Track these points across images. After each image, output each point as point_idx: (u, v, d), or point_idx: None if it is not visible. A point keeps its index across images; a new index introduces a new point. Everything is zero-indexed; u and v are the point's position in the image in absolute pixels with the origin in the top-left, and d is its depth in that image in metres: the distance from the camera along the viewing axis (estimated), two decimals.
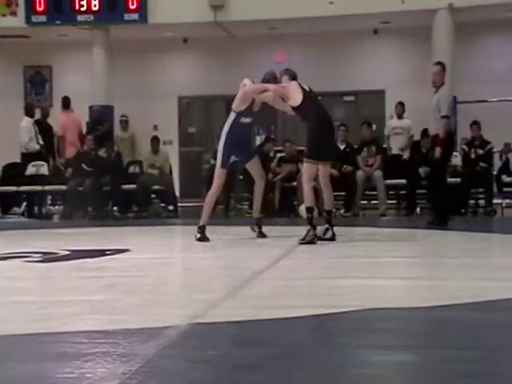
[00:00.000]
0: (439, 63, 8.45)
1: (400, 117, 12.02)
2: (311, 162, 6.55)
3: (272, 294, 3.91)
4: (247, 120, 6.99)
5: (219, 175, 7.02)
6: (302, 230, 8.16)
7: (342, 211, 10.85)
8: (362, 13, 12.83)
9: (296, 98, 6.53)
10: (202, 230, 6.85)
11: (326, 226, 6.63)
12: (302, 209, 10.58)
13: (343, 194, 11.05)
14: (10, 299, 3.88)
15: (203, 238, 6.79)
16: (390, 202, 11.32)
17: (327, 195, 6.84)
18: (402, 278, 4.50)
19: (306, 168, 6.61)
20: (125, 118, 12.99)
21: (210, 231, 7.05)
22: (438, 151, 8.12)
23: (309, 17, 12.99)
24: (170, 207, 11.42)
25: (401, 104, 12.11)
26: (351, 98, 15.00)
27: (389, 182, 10.78)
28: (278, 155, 11.61)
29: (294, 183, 10.97)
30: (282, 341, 2.85)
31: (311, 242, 6.32)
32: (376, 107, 14.62)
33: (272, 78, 6.97)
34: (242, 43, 14.50)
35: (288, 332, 3.03)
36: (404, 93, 13.57)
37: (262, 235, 7.14)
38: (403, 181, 10.78)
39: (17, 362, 2.57)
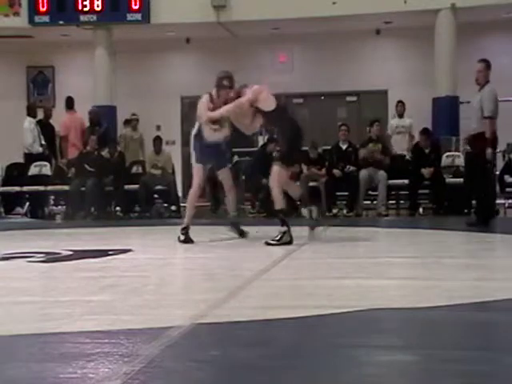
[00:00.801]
0: (483, 60, 8.06)
1: (401, 116, 12.00)
2: (284, 166, 6.60)
3: (274, 294, 3.92)
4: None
5: (197, 172, 6.95)
6: (305, 230, 8.16)
7: (345, 211, 10.85)
8: (365, 13, 12.82)
9: (270, 103, 6.52)
10: (185, 231, 6.76)
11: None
12: (305, 210, 10.64)
13: (346, 193, 11.06)
14: (12, 299, 3.89)
15: (187, 240, 6.70)
16: (392, 202, 11.32)
17: (292, 190, 7.02)
18: (403, 279, 4.50)
19: (278, 172, 6.60)
20: (136, 117, 12.93)
21: (212, 231, 7.05)
22: (489, 153, 7.87)
23: (311, 17, 12.98)
24: (173, 207, 11.42)
25: (401, 103, 12.09)
26: (354, 98, 15.00)
27: (391, 182, 10.77)
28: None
29: (297, 183, 10.97)
30: (284, 341, 2.86)
31: (288, 243, 6.28)
32: (378, 107, 14.61)
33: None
34: (244, 43, 14.50)
35: (290, 332, 3.03)
36: (406, 93, 13.55)
37: (242, 234, 7.12)
38: (405, 181, 10.77)
39: (19, 362, 2.57)
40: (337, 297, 3.80)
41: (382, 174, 10.71)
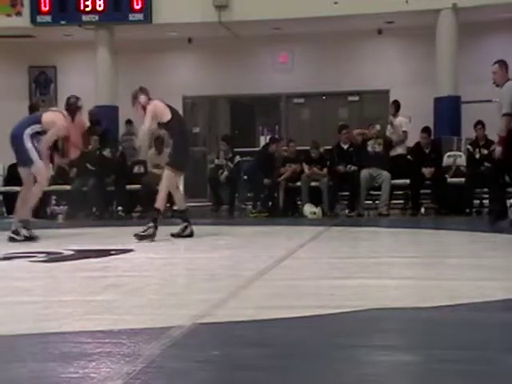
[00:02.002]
0: (497, 62, 8.04)
1: (394, 115, 11.92)
2: (175, 170, 7.10)
3: (275, 294, 3.92)
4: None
5: (43, 170, 7.27)
6: (307, 230, 8.17)
7: (347, 211, 10.85)
8: (367, 13, 12.81)
9: (166, 115, 7.08)
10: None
11: (185, 224, 7.15)
12: (306, 209, 10.66)
13: (347, 193, 11.06)
14: (14, 299, 3.90)
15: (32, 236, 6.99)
16: (395, 202, 11.31)
17: (180, 196, 7.50)
18: (405, 278, 4.50)
19: (169, 176, 7.11)
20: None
21: (214, 231, 7.05)
22: (498, 151, 7.83)
23: (313, 17, 12.98)
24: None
25: (393, 103, 12.04)
26: (355, 98, 15.00)
27: (392, 181, 10.76)
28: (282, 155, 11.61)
29: (298, 183, 10.98)
30: (285, 341, 2.86)
31: (150, 236, 6.80)
32: (380, 107, 14.60)
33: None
34: (246, 43, 14.50)
35: (291, 332, 3.03)
36: (408, 92, 13.55)
37: (185, 229, 7.30)
38: (407, 181, 10.77)
39: (20, 362, 2.58)
40: (338, 297, 3.80)
41: (385, 174, 10.71)
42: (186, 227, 7.16)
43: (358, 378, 2.36)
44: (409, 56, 14.44)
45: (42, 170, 7.23)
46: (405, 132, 11.46)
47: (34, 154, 7.17)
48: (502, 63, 8.03)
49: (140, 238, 6.77)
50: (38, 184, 7.29)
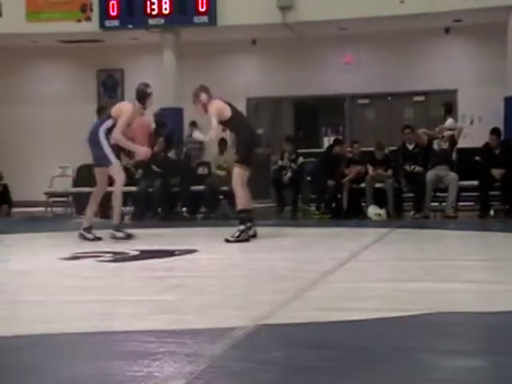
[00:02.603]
0: None
1: (445, 118, 11.68)
2: (244, 167, 7.03)
3: (338, 296, 3.88)
4: None
5: (119, 170, 7.52)
6: (371, 231, 8.08)
7: (412, 213, 10.68)
8: (434, 11, 12.58)
9: (226, 114, 7.09)
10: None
11: (248, 224, 7.00)
12: (370, 210, 10.54)
13: (412, 195, 10.88)
14: (81, 298, 3.99)
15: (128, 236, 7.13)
16: (461, 203, 11.07)
17: (247, 196, 7.24)
18: (471, 282, 4.39)
19: (239, 172, 7.05)
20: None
21: (277, 232, 7.01)
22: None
23: (378, 16, 12.84)
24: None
25: (444, 104, 11.79)
26: (421, 98, 14.74)
27: (460, 183, 10.53)
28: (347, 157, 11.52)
29: (363, 184, 10.86)
30: (347, 344, 2.83)
31: (245, 241, 6.76)
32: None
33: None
34: (310, 44, 14.46)
35: (354, 335, 3.00)
36: (477, 92, 13.25)
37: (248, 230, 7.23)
38: (475, 182, 10.52)
39: (86, 359, 2.63)
40: (403, 300, 3.75)
41: (453, 175, 10.49)
42: (249, 228, 7.08)
43: (422, 383, 2.31)
44: (477, 55, 14.11)
45: (118, 170, 7.40)
46: (455, 134, 11.15)
47: (110, 154, 7.32)
48: None
49: (232, 242, 6.73)
50: (116, 185, 7.47)
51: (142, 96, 7.38)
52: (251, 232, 7.09)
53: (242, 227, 6.82)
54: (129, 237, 7.21)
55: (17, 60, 15.72)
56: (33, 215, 12.68)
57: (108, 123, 7.36)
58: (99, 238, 7.30)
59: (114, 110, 7.44)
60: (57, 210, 12.94)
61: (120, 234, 7.24)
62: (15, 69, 15.83)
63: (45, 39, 14.65)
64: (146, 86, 7.49)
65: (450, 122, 11.45)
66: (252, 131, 7.33)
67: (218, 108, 7.11)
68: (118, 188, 7.44)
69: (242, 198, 6.99)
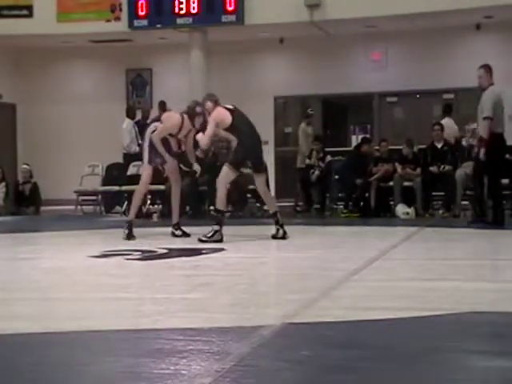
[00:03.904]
0: (483, 66, 8.46)
1: (443, 117, 11.65)
2: (233, 169, 7.02)
3: (366, 295, 3.87)
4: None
5: (147, 171, 7.51)
6: (399, 230, 8.03)
7: (441, 211, 10.59)
8: (464, 8, 12.44)
9: (228, 121, 7.09)
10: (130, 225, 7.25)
11: (276, 226, 7.02)
12: (399, 209, 10.47)
13: (442, 194, 10.79)
14: (110, 295, 4.02)
15: (130, 236, 7.16)
16: None
17: (268, 200, 7.43)
18: (502, 282, 4.35)
19: (228, 173, 7.02)
20: (312, 113, 12.97)
21: (305, 231, 6.99)
22: (482, 153, 8.15)
23: (407, 13, 12.74)
24: (265, 207, 11.46)
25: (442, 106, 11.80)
26: (451, 96, 14.59)
27: None
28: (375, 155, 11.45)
29: (391, 183, 10.79)
30: (375, 343, 2.81)
31: (219, 241, 6.67)
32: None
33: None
34: (338, 42, 14.41)
35: (382, 334, 2.98)
36: (508, 90, 13.05)
37: (185, 234, 7.46)
38: (506, 181, 10.38)
39: (115, 357, 2.65)
40: (431, 299, 3.71)
41: None
42: (278, 230, 7.07)
43: (450, 383, 2.29)
44: (509, 51, 13.92)
45: (144, 172, 7.50)
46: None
47: (146, 155, 7.47)
48: (488, 67, 8.42)
49: (204, 241, 6.73)
50: (141, 182, 7.61)
51: (192, 113, 7.46)
52: (279, 234, 7.04)
53: (216, 227, 6.78)
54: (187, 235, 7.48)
55: (47, 60, 15.93)
56: (62, 213, 12.82)
57: (156, 124, 7.57)
58: (187, 234, 7.50)
59: (164, 116, 7.71)
60: (86, 209, 13.07)
61: (178, 233, 7.52)
62: (46, 69, 16.03)
63: (75, 39, 14.82)
64: (197, 103, 7.54)
65: (446, 122, 11.43)
66: (254, 141, 7.25)
67: (219, 116, 7.13)
68: (137, 189, 7.68)
69: (223, 199, 7.01)
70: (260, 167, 7.38)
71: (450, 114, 11.79)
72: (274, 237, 7.03)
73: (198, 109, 7.39)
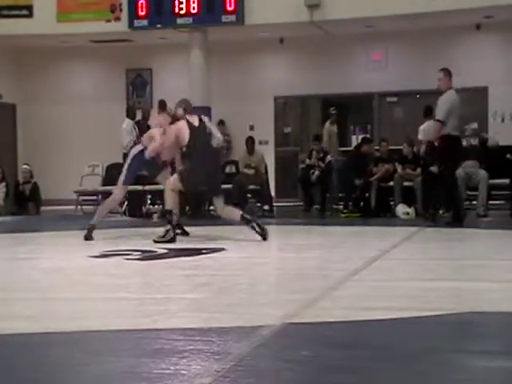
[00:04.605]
0: (443, 69, 8.66)
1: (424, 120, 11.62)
2: (179, 185, 7.01)
3: (366, 295, 3.86)
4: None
5: (121, 190, 7.59)
6: (400, 230, 8.03)
7: (441, 211, 10.58)
8: (464, 8, 12.44)
9: (182, 141, 7.09)
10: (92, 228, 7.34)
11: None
12: (399, 209, 10.47)
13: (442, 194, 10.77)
14: (110, 295, 4.02)
15: (89, 237, 7.23)
16: (492, 202, 10.94)
17: (232, 216, 7.24)
18: (502, 282, 4.34)
19: (175, 182, 7.01)
20: (335, 112, 12.95)
21: (305, 231, 6.99)
22: (422, 151, 8.95)
23: (408, 14, 12.74)
24: (266, 207, 11.48)
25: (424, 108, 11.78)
26: None
27: (490, 181, 10.41)
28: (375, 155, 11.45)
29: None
30: (375, 343, 2.81)
31: (170, 241, 6.71)
32: (478, 105, 14.17)
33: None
34: (338, 42, 14.41)
35: (382, 334, 2.98)
36: (508, 89, 13.09)
37: (185, 233, 7.47)
38: (506, 180, 10.39)
39: (114, 357, 2.65)
40: (431, 299, 3.71)
41: (482, 173, 10.37)
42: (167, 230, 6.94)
43: (451, 383, 2.29)
44: (509, 51, 13.93)
45: (121, 192, 7.64)
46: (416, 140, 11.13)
47: (124, 174, 7.63)
48: (447, 71, 8.62)
49: (157, 242, 6.73)
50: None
51: (176, 117, 7.50)
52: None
53: (168, 226, 6.85)
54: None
55: (47, 60, 15.93)
56: (63, 213, 12.82)
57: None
58: (186, 233, 7.54)
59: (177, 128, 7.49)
60: (86, 209, 13.07)
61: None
62: (46, 69, 16.03)
63: (75, 39, 14.82)
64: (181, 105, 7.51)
65: (428, 124, 11.43)
66: (207, 169, 7.04)
67: (179, 131, 7.11)
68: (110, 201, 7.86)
69: (174, 202, 7.04)
70: (217, 194, 7.24)
71: (431, 116, 11.74)
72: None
73: (180, 112, 7.36)
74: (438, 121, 8.43)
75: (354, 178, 10.97)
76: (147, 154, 7.34)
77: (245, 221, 6.99)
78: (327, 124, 12.68)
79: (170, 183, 7.10)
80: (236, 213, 7.18)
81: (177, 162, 7.76)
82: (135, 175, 7.77)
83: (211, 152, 7.19)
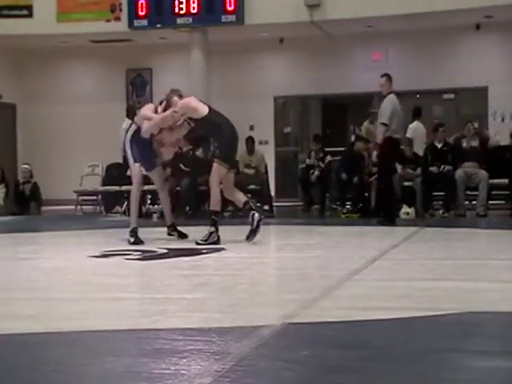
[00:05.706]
0: (384, 75, 9.05)
1: (412, 121, 11.68)
2: (225, 165, 6.63)
3: (366, 295, 3.86)
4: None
5: (135, 172, 7.15)
6: (400, 230, 8.03)
7: (441, 212, 10.59)
8: (464, 8, 12.45)
9: (200, 112, 6.69)
10: (134, 232, 6.92)
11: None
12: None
13: (442, 193, 10.79)
14: (109, 295, 4.02)
15: (137, 241, 6.83)
16: (492, 202, 10.94)
17: (236, 197, 6.90)
18: (502, 282, 4.34)
19: (218, 170, 6.62)
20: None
21: (305, 231, 6.99)
22: (374, 155, 9.10)
23: (408, 13, 12.74)
24: (266, 207, 11.48)
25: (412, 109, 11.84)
26: (451, 96, 14.60)
27: (490, 181, 10.41)
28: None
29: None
30: (375, 343, 2.81)
31: (215, 243, 6.48)
32: (478, 105, 14.18)
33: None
34: (338, 42, 14.41)
35: (382, 334, 2.98)
36: (508, 89, 13.09)
37: (182, 236, 7.28)
38: (505, 180, 10.39)
39: (115, 357, 2.65)
40: (432, 299, 3.71)
41: (482, 173, 10.37)
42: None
43: (450, 383, 2.29)
44: (509, 51, 13.93)
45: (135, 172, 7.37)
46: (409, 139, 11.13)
47: (129, 157, 7.37)
48: (389, 77, 9.02)
49: (201, 245, 6.47)
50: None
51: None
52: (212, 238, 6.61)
53: (211, 229, 6.59)
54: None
55: (47, 60, 15.93)
56: (62, 213, 12.82)
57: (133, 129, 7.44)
58: (185, 235, 7.33)
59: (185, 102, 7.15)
60: (86, 209, 13.07)
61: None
62: (46, 69, 16.03)
63: (75, 39, 14.83)
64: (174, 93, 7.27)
65: (414, 125, 11.49)
66: (233, 135, 6.82)
67: (189, 104, 6.76)
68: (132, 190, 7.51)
69: (217, 199, 6.70)
70: (234, 167, 7.03)
71: (420, 117, 11.82)
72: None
73: (175, 99, 6.96)
74: (383, 124, 8.72)
75: (348, 177, 10.91)
76: (143, 133, 6.95)
77: (248, 206, 6.66)
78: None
79: (213, 175, 6.62)
80: (242, 196, 6.88)
81: (182, 143, 7.55)
82: (145, 153, 7.17)
83: (228, 121, 6.83)
